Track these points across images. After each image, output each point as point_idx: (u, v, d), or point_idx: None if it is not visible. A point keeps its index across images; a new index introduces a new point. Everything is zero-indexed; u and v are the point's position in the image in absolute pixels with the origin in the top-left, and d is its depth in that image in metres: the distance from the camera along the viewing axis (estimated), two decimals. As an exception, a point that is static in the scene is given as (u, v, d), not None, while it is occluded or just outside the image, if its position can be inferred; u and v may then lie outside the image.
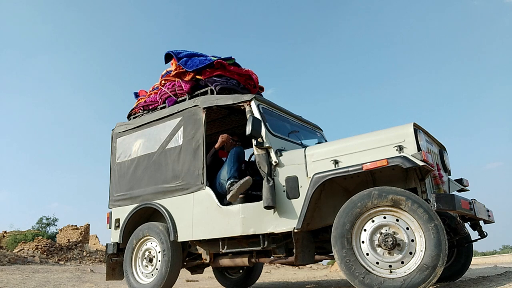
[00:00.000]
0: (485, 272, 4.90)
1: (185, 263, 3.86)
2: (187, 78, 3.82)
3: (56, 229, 25.20)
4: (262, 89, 4.32)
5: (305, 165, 2.97)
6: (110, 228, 4.17)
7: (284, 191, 3.02)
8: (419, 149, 2.56)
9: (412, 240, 2.40)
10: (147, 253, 3.78)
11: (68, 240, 18.20)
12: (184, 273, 5.78)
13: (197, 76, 3.80)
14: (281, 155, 3.12)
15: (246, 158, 4.48)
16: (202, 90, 3.80)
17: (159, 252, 3.66)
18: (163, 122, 3.91)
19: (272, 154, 3.12)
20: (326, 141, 4.24)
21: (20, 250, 13.63)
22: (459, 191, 3.51)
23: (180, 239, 3.52)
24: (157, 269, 3.63)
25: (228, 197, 3.18)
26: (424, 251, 2.31)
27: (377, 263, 2.45)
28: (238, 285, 4.79)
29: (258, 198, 3.16)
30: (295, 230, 2.84)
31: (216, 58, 3.77)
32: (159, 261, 3.63)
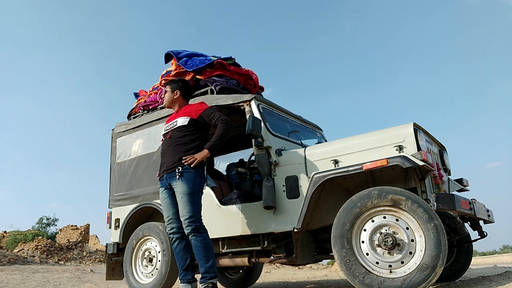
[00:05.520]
0: (485, 272, 4.90)
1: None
2: (187, 78, 3.82)
3: (56, 229, 25.20)
4: (262, 89, 4.32)
5: (305, 164, 2.97)
6: (110, 228, 4.17)
7: (284, 191, 3.02)
8: (419, 149, 2.56)
9: (412, 240, 2.40)
10: (147, 253, 3.78)
11: (68, 240, 18.19)
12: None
13: (197, 76, 3.80)
14: (281, 155, 3.12)
15: (246, 159, 4.48)
16: (202, 90, 3.80)
17: (159, 252, 3.66)
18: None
19: (272, 154, 3.12)
20: (326, 141, 4.24)
21: (20, 250, 13.62)
22: (459, 191, 3.51)
23: (180, 239, 3.52)
24: (157, 269, 3.63)
25: None
26: (424, 251, 2.31)
27: (377, 263, 2.45)
28: (238, 285, 4.79)
29: (258, 198, 3.16)
30: (295, 230, 2.84)
31: (216, 58, 3.77)
32: (159, 261, 3.63)
